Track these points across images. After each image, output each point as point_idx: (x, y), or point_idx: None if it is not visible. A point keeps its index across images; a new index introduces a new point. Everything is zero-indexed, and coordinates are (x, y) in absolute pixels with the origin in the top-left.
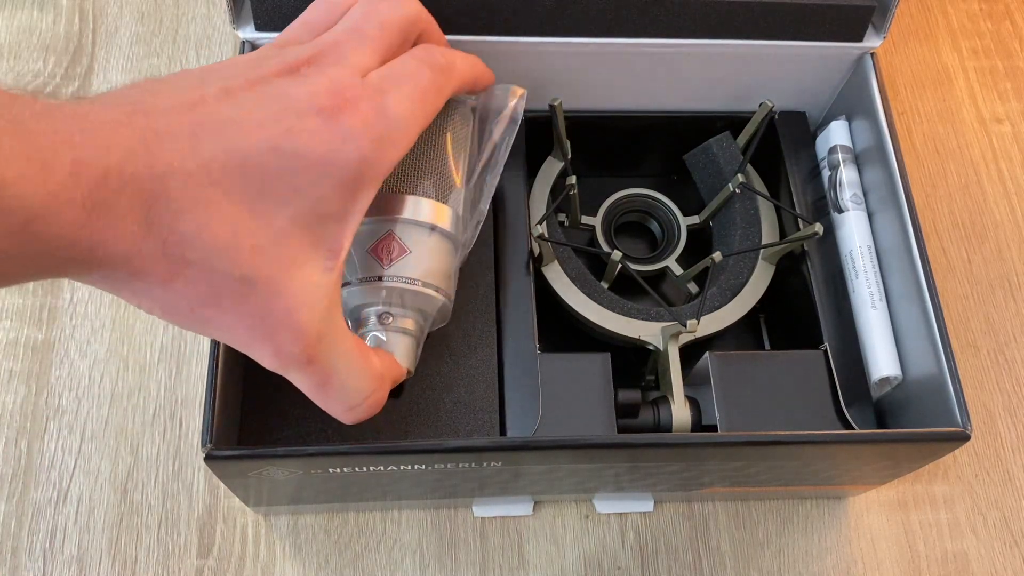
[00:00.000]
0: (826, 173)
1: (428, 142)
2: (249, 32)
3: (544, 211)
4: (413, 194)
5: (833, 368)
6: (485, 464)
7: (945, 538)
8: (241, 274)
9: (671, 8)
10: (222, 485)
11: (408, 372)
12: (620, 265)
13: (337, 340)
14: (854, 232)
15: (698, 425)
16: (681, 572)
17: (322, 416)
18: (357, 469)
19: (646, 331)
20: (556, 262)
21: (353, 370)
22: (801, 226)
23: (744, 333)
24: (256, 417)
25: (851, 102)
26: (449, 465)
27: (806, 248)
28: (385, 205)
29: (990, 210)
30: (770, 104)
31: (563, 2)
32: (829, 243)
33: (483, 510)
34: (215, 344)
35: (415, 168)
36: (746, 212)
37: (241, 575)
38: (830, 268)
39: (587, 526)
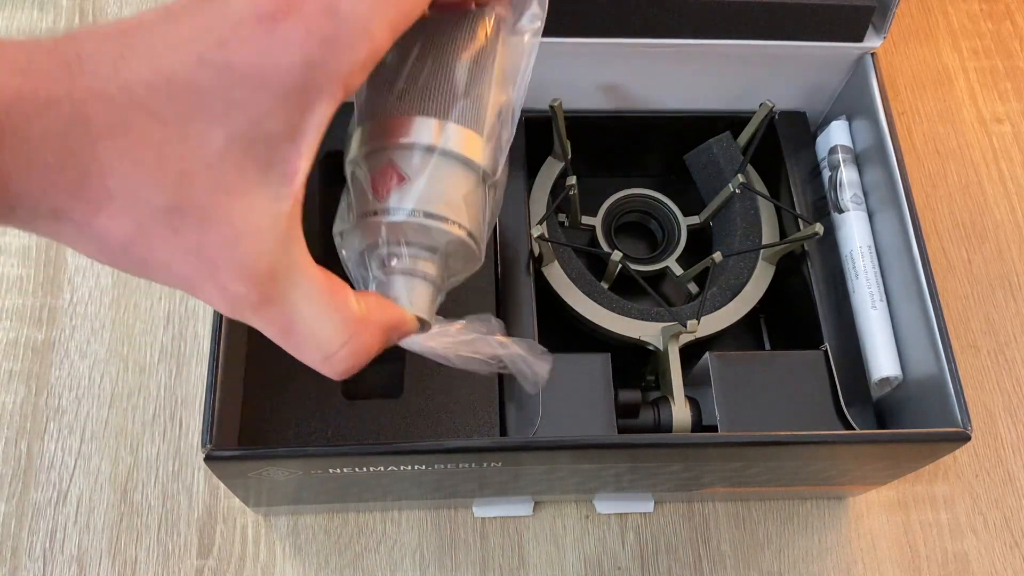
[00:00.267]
0: (826, 173)
1: (432, 56)
2: None
3: (544, 211)
4: (412, 115)
5: (833, 368)
6: (485, 464)
7: (945, 538)
8: (167, 204)
9: (671, 8)
10: (222, 485)
11: (420, 321)
12: (620, 265)
13: (297, 278)
14: (854, 232)
15: (698, 425)
16: (681, 572)
17: (322, 416)
18: (357, 469)
19: (646, 331)
20: (556, 262)
21: (321, 313)
22: (801, 226)
23: (744, 333)
24: (256, 417)
25: (851, 102)
26: (449, 465)
27: (806, 248)
28: (383, 131)
29: (990, 210)
30: (770, 104)
31: (563, 2)
32: (829, 243)
33: (483, 510)
34: (215, 344)
35: (416, 87)
36: (746, 212)
37: (241, 575)
38: (830, 268)
39: (587, 526)
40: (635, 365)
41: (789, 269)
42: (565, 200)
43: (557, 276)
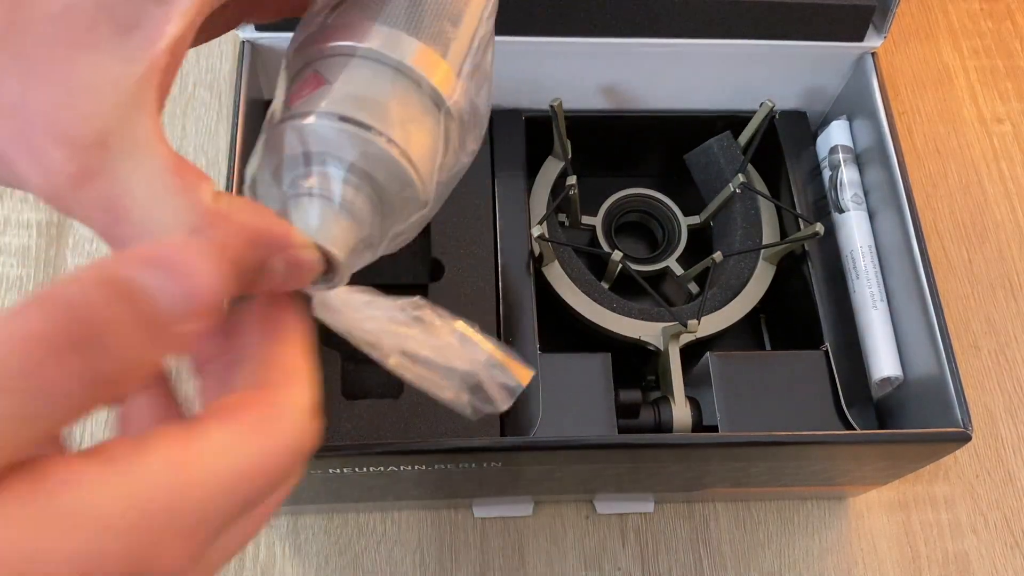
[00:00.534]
0: (827, 173)
1: None
2: (249, 32)
3: (544, 211)
4: (347, 21)
5: (834, 368)
6: (485, 464)
7: (946, 538)
8: None
9: (671, 8)
10: None
11: (326, 256)
12: (621, 265)
13: (136, 151)
14: (855, 232)
15: (699, 425)
16: (682, 573)
17: (321, 416)
18: (357, 469)
19: (646, 331)
20: (556, 262)
21: (160, 194)
22: (802, 226)
23: (745, 333)
24: None
25: (852, 102)
26: (449, 465)
27: (807, 248)
28: (311, 42)
29: (991, 210)
30: (771, 104)
31: (563, 2)
32: (830, 243)
33: (483, 511)
34: None
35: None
36: (747, 212)
37: (240, 575)
38: (831, 268)
39: (587, 527)
40: (635, 365)
41: (790, 269)
42: (565, 200)
43: (557, 276)
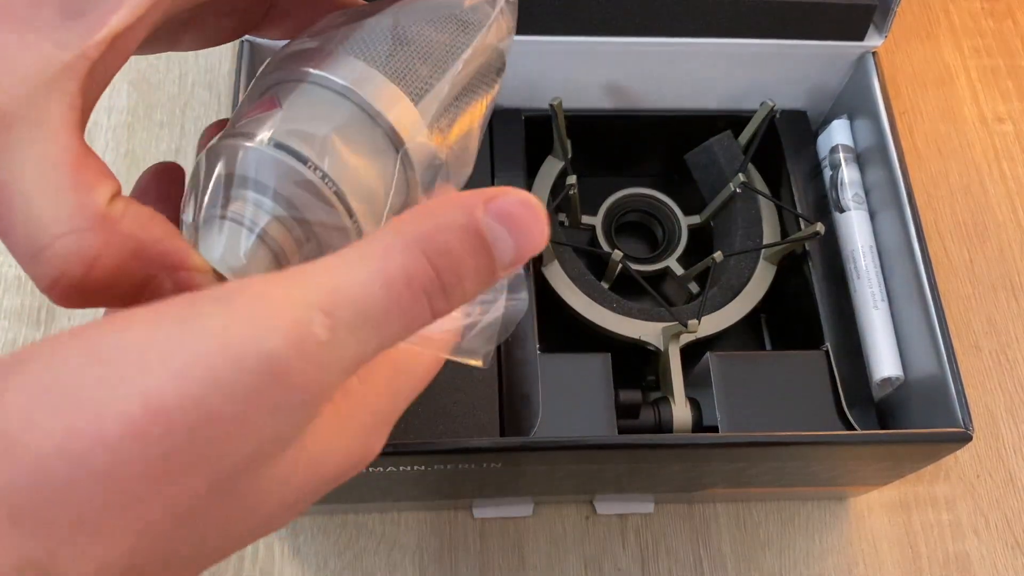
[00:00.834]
0: (827, 173)
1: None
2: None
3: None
4: (324, 49)
5: (834, 368)
6: (485, 465)
7: (947, 539)
8: None
9: (671, 7)
10: None
11: (203, 271)
12: (621, 265)
13: (36, 135)
14: (855, 232)
15: (699, 426)
16: (682, 573)
17: None
18: None
19: (647, 331)
20: (556, 262)
21: (49, 185)
22: (802, 226)
23: (745, 333)
24: None
25: (852, 101)
26: (449, 466)
27: (807, 248)
28: (277, 64)
29: (992, 210)
30: (771, 103)
31: (563, 1)
32: (830, 243)
33: (483, 511)
34: None
35: (340, 31)
36: (747, 212)
37: None
38: (831, 268)
39: (587, 527)
40: (635, 365)
41: (790, 269)
42: (565, 199)
43: (557, 276)
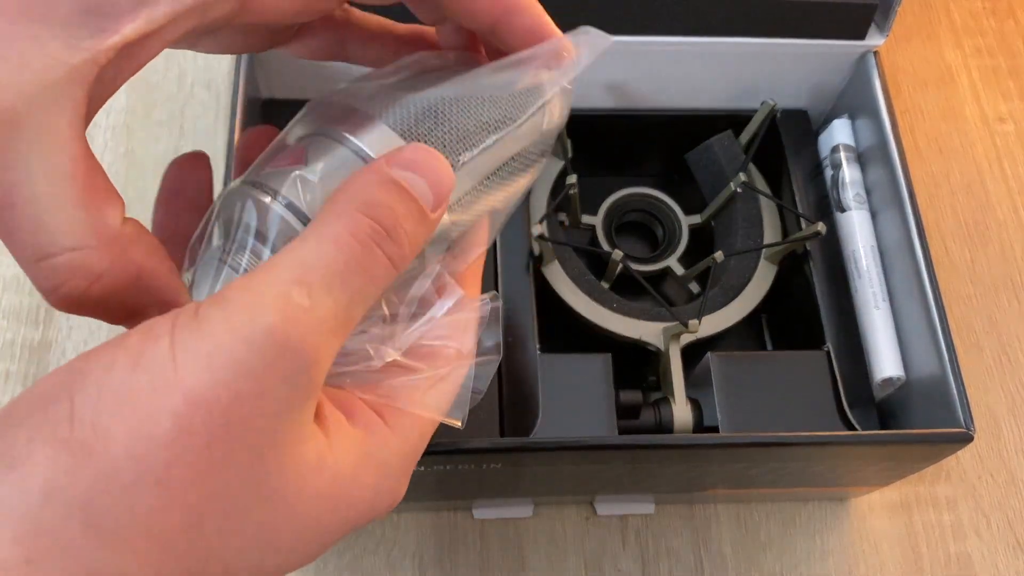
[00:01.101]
0: (828, 172)
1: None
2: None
3: (544, 211)
4: (361, 110)
5: (835, 369)
6: (485, 466)
7: (948, 540)
8: None
9: (672, 6)
10: None
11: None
12: (621, 265)
13: (48, 147)
14: (856, 232)
15: (699, 426)
16: (682, 574)
17: None
18: None
19: (647, 331)
20: (556, 262)
21: (60, 196)
22: (803, 226)
23: (746, 333)
24: None
25: (853, 101)
26: (448, 466)
27: (808, 248)
28: (323, 114)
29: (993, 210)
30: (772, 103)
31: (563, 1)
32: (831, 243)
33: (483, 512)
34: None
35: (387, 94)
36: (748, 211)
37: None
38: (832, 268)
39: (588, 528)
40: (636, 365)
41: (791, 269)
42: (565, 199)
43: (557, 276)
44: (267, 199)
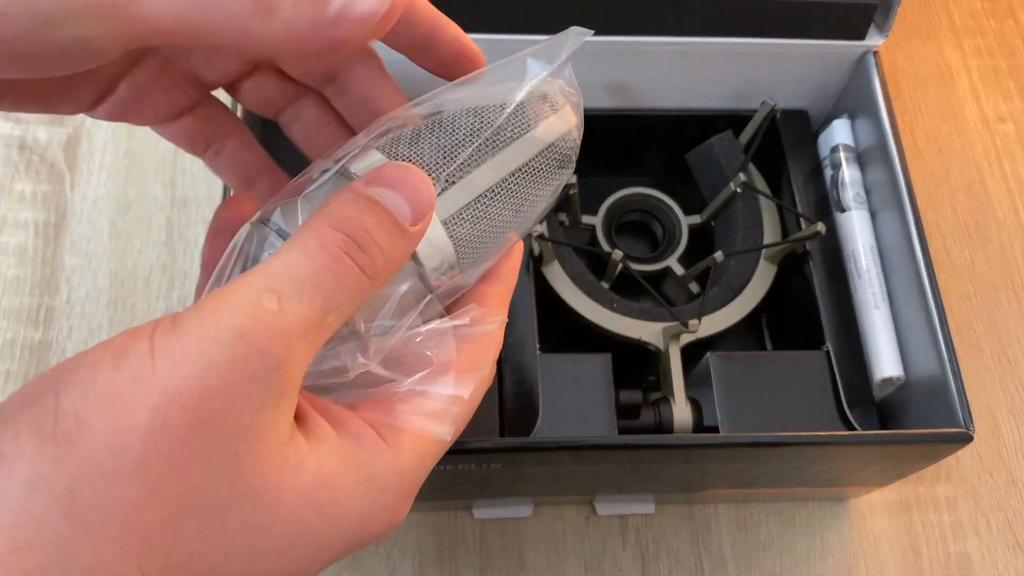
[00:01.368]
0: (828, 172)
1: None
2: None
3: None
4: (368, 146)
5: (835, 369)
6: (485, 466)
7: (948, 540)
8: None
9: (672, 6)
10: None
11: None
12: (621, 265)
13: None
14: (856, 232)
15: (699, 426)
16: (682, 574)
17: None
18: None
19: (647, 331)
20: (556, 262)
21: None
22: (803, 226)
23: (746, 333)
24: None
25: (853, 101)
26: (449, 466)
27: (808, 248)
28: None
29: (993, 210)
30: (772, 103)
31: (564, 1)
32: (831, 243)
33: (483, 512)
34: None
35: (394, 134)
36: (748, 211)
37: None
38: (832, 268)
39: (588, 528)
40: (636, 365)
41: (791, 269)
42: (565, 199)
43: (557, 276)
44: (263, 227)
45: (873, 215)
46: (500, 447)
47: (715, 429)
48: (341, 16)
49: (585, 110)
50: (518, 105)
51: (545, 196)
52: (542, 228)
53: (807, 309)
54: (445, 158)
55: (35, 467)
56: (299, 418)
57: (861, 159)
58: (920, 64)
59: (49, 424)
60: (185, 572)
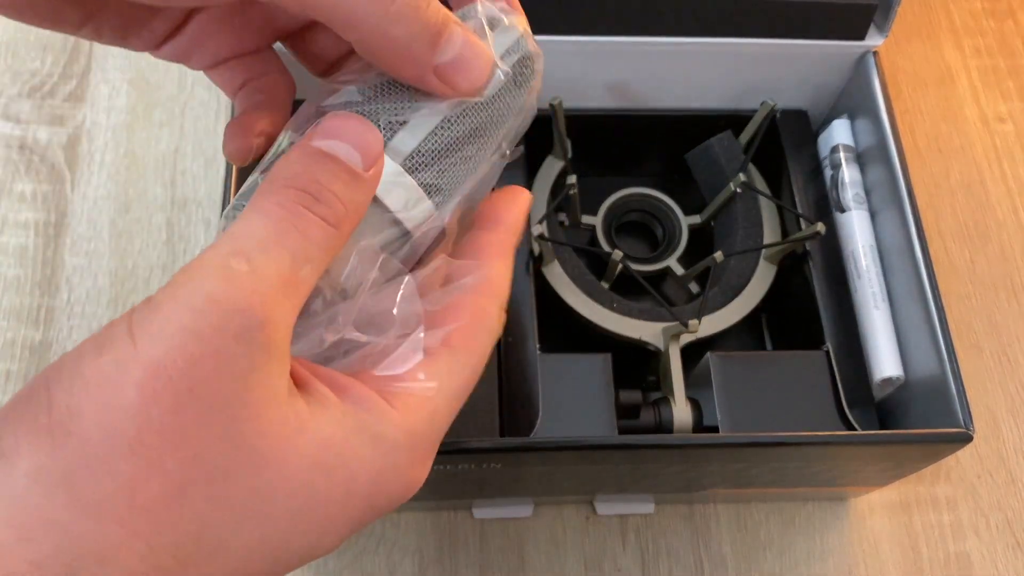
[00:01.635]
0: (828, 172)
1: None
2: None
3: (544, 211)
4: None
5: (835, 369)
6: (485, 465)
7: (948, 540)
8: None
9: (672, 6)
10: None
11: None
12: (621, 265)
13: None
14: (856, 232)
15: (699, 426)
16: (682, 574)
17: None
18: None
19: (647, 331)
20: (556, 262)
21: None
22: (803, 226)
23: (746, 333)
24: None
25: (853, 101)
26: (448, 466)
27: (808, 248)
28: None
29: (993, 210)
30: (772, 103)
31: (564, 1)
32: (831, 243)
33: (483, 512)
34: None
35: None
36: (748, 212)
37: None
38: (832, 268)
39: (588, 528)
40: (636, 365)
41: (791, 269)
42: (565, 199)
43: (557, 276)
44: (232, 205)
45: (873, 215)
46: (500, 447)
47: (715, 429)
48: (441, 72)
49: (585, 110)
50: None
51: (507, 115)
52: (542, 228)
53: (807, 309)
54: (394, 103)
55: (33, 460)
56: (300, 386)
57: (861, 159)
58: (920, 64)
59: (43, 418)
60: (196, 546)
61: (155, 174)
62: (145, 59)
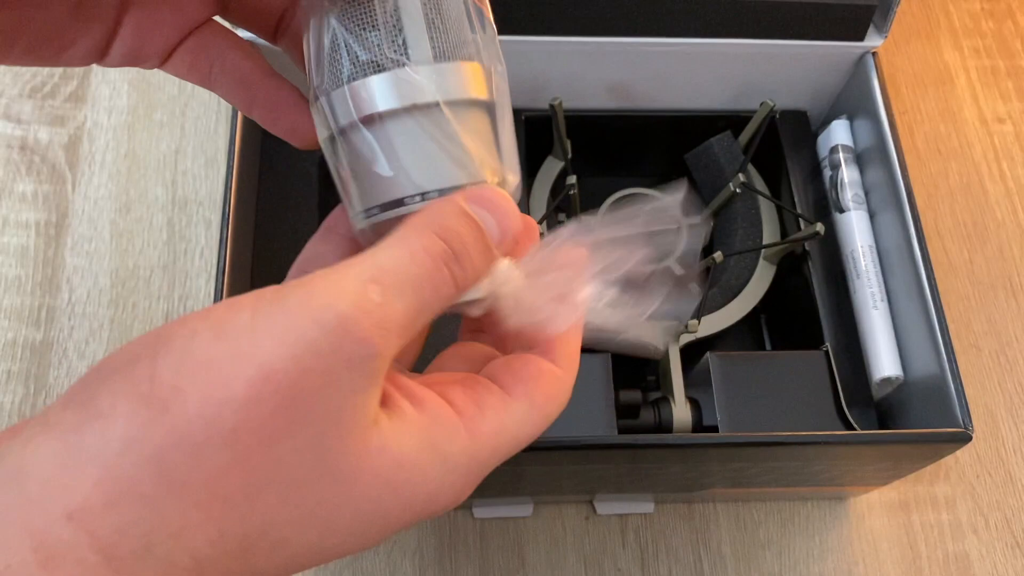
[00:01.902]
0: (827, 173)
1: None
2: (247, 32)
3: (544, 211)
4: None
5: (834, 368)
6: None
7: (947, 539)
8: None
9: (671, 7)
10: None
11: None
12: None
13: None
14: (855, 232)
15: (699, 426)
16: (682, 573)
17: None
18: None
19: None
20: None
21: None
22: (802, 226)
23: (745, 333)
24: None
25: (852, 101)
26: None
27: (807, 248)
28: None
29: (992, 210)
30: (771, 103)
31: (563, 1)
32: (830, 243)
33: (483, 511)
34: None
35: None
36: (747, 212)
37: None
38: (831, 268)
39: (587, 527)
40: (635, 365)
41: (790, 269)
42: (565, 200)
43: None
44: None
45: (872, 215)
46: None
47: (714, 429)
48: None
49: (585, 110)
50: None
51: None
52: (542, 228)
53: (806, 309)
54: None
55: (128, 428)
56: (383, 399)
57: (860, 160)
58: (919, 65)
59: (145, 388)
60: (261, 540)
61: (156, 174)
62: None
